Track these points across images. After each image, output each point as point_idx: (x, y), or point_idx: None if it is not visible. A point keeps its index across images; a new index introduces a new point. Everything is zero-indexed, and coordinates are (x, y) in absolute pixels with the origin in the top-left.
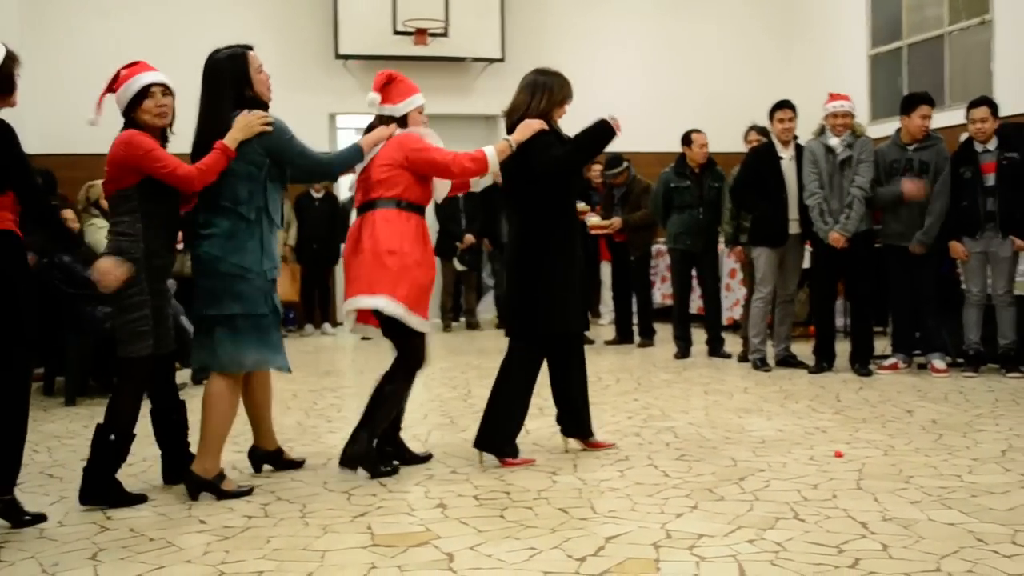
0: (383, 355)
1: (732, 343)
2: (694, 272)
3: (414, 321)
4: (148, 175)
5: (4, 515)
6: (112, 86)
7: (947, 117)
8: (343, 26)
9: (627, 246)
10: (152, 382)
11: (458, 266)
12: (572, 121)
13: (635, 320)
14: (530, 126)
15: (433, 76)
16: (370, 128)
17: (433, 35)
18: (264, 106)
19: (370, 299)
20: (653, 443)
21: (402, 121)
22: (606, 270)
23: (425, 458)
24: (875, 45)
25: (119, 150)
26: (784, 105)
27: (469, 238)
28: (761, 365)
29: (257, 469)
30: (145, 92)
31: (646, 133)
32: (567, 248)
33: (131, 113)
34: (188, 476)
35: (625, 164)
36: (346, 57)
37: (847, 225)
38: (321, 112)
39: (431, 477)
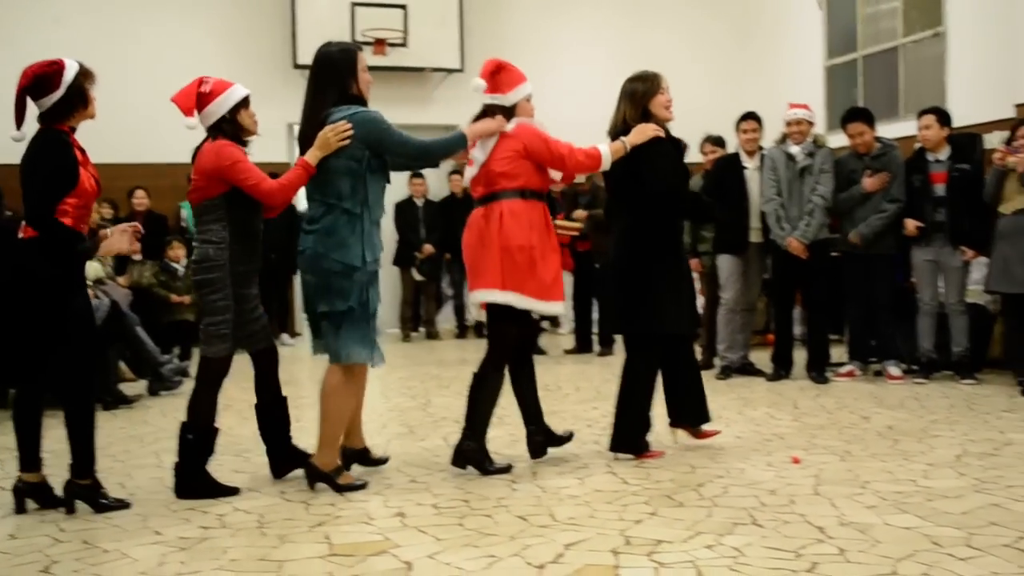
0: None
1: None
2: None
3: (552, 307)
4: (234, 185)
5: (85, 499)
6: (199, 105)
7: (901, 128)
8: (301, 35)
9: (591, 254)
10: (256, 379)
11: (417, 276)
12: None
13: (595, 329)
14: (644, 131)
15: (392, 86)
16: (478, 118)
17: (392, 45)
18: (363, 102)
19: (501, 294)
20: None
21: (510, 111)
22: (567, 279)
23: (567, 437)
24: (831, 56)
25: (208, 159)
26: (749, 116)
27: (428, 248)
28: (726, 374)
29: (346, 467)
30: (246, 100)
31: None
32: (677, 248)
33: (234, 116)
34: (307, 467)
35: None
36: (304, 67)
37: (807, 232)
38: (279, 122)
39: (390, 486)
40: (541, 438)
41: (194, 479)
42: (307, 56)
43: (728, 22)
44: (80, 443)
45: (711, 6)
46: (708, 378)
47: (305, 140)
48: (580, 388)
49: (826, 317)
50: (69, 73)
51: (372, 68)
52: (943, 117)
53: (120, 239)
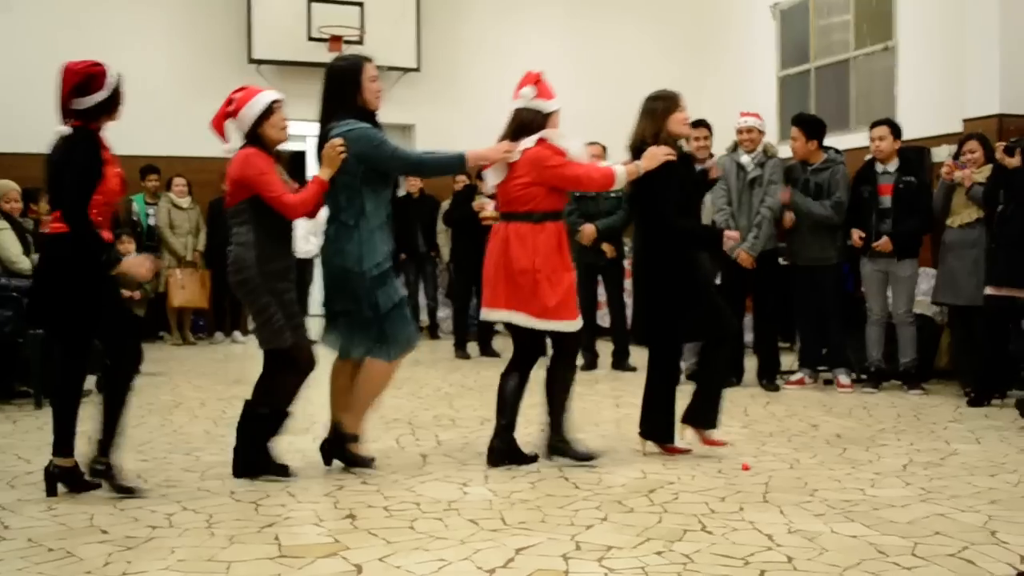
0: None
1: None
2: (601, 285)
3: (559, 326)
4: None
5: (105, 477)
6: (231, 112)
7: (852, 140)
8: (256, 31)
9: None
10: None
11: None
12: (489, 133)
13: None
14: (656, 156)
15: None
16: (511, 123)
17: (348, 43)
18: (371, 114)
19: (507, 313)
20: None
21: (545, 118)
22: None
23: (532, 458)
24: (784, 67)
25: (237, 168)
26: (699, 124)
27: None
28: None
29: (327, 462)
30: (270, 109)
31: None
32: (691, 259)
33: (256, 130)
34: (334, 427)
35: None
36: (260, 62)
37: (755, 245)
38: None
39: (341, 488)
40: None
41: (254, 457)
42: (262, 51)
43: (683, 30)
44: (109, 423)
45: (667, 13)
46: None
47: (321, 152)
48: (531, 392)
49: (775, 326)
50: (113, 77)
51: (326, 65)
52: (895, 129)
53: (140, 265)
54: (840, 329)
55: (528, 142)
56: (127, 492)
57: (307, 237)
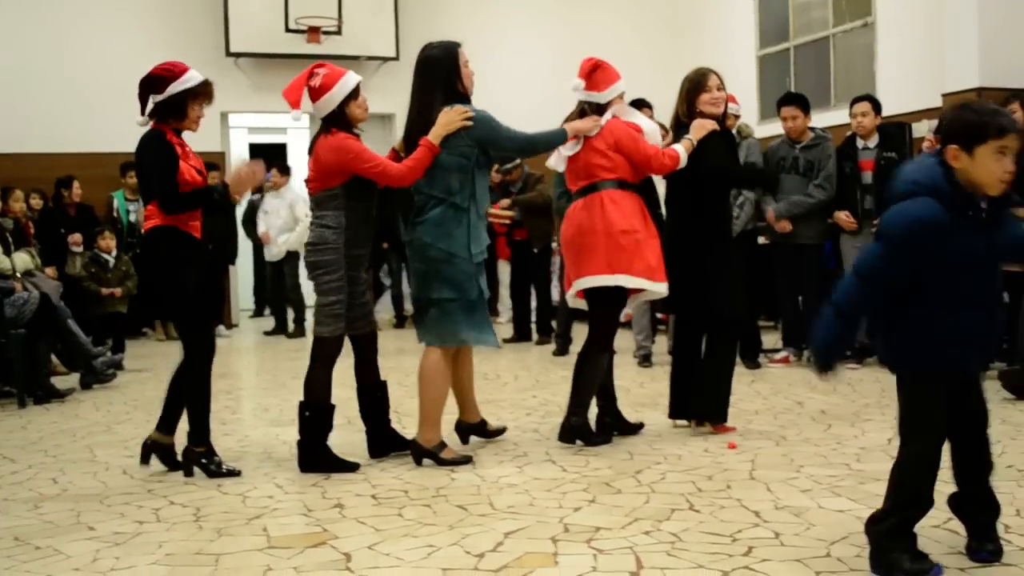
0: (280, 356)
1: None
2: None
3: (659, 288)
4: (354, 175)
5: (199, 465)
6: (312, 97)
7: (832, 117)
8: (234, 23)
9: (527, 242)
10: (356, 363)
11: None
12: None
13: (533, 318)
14: (704, 126)
15: None
16: (577, 115)
17: (326, 33)
18: (467, 99)
19: (610, 278)
20: (551, 439)
21: (603, 108)
22: (504, 269)
23: (638, 427)
24: (763, 46)
25: (330, 156)
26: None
27: None
28: (644, 362)
29: (464, 441)
30: (357, 91)
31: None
32: (725, 235)
33: (343, 109)
34: (412, 446)
35: (518, 160)
36: (237, 55)
37: (735, 225)
38: (212, 111)
39: (328, 477)
40: (609, 419)
41: (316, 454)
42: (240, 44)
43: (661, 11)
44: (196, 410)
45: None
46: (632, 365)
47: (411, 140)
48: (519, 377)
49: (757, 304)
50: (177, 86)
51: (306, 56)
52: (876, 105)
53: (250, 172)
54: (821, 306)
55: (605, 117)
56: (228, 475)
57: (279, 236)
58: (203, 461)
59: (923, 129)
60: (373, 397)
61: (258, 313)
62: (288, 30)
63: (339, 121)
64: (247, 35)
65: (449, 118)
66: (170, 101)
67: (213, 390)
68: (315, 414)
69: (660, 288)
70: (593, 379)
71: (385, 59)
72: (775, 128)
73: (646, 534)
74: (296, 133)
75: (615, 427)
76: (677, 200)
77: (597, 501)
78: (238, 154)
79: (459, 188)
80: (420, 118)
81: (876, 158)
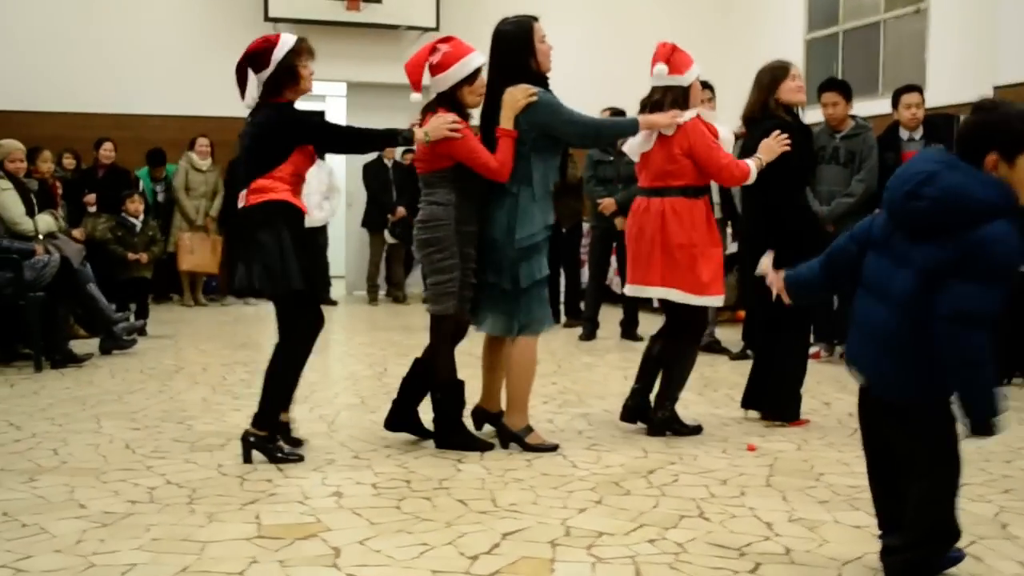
0: None
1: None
2: (615, 252)
3: (710, 301)
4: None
5: (261, 449)
6: (434, 64)
7: (880, 105)
8: None
9: (558, 219)
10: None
11: (389, 239)
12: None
13: (562, 299)
14: (772, 149)
15: (365, 43)
16: (650, 101)
17: (366, 1)
18: (544, 77)
19: (662, 290)
20: (565, 431)
21: (686, 91)
22: None
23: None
24: (811, 29)
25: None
26: (705, 85)
27: (401, 210)
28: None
29: (479, 427)
30: (475, 75)
31: (584, 106)
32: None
33: (455, 91)
34: (500, 428)
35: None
36: (276, 20)
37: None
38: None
39: (331, 462)
40: (631, 403)
41: (451, 433)
42: (279, 9)
43: None
44: (277, 391)
45: None
46: None
47: (488, 118)
48: (541, 361)
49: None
50: (279, 51)
51: (345, 24)
52: (922, 97)
53: (443, 123)
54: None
55: (687, 115)
56: (283, 461)
57: (320, 204)
58: (268, 445)
59: None
60: (420, 376)
61: None
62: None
63: (450, 102)
64: (287, 0)
65: (514, 98)
66: (280, 69)
67: (230, 361)
68: (446, 394)
69: (712, 301)
70: (684, 372)
71: (425, 29)
72: (819, 115)
73: (650, 542)
74: (334, 101)
75: (636, 414)
76: (751, 199)
77: (603, 502)
78: None
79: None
80: (496, 99)
81: (922, 150)
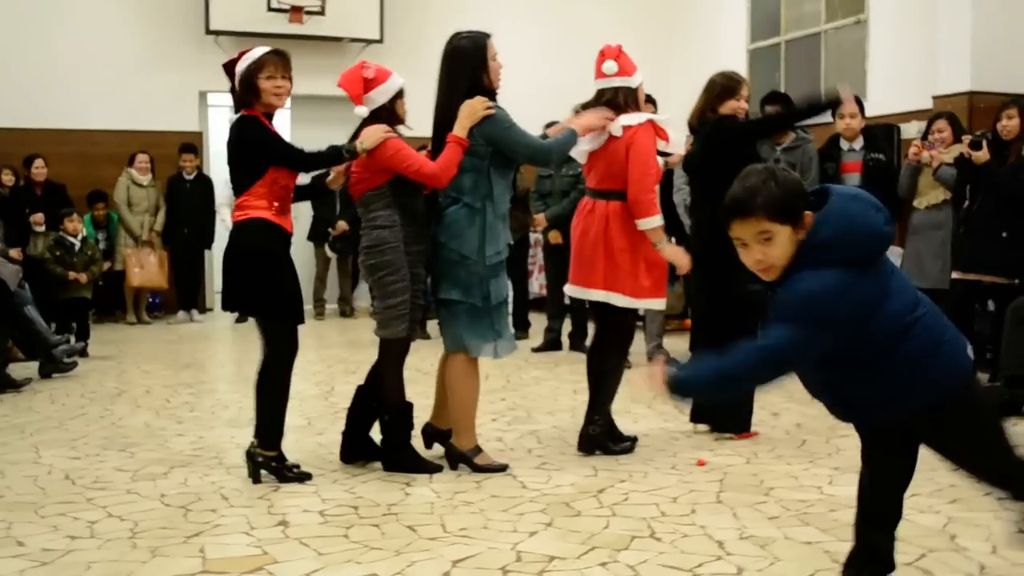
0: (250, 346)
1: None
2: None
3: (653, 304)
4: (397, 173)
5: (270, 470)
6: (368, 79)
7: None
8: (214, 0)
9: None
10: (376, 364)
11: (329, 253)
12: None
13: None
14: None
15: (309, 56)
16: (601, 101)
17: (309, 13)
18: (492, 94)
19: (603, 293)
20: (515, 449)
21: (634, 92)
22: None
23: (630, 440)
24: (754, 40)
25: (374, 151)
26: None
27: (342, 225)
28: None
29: (428, 446)
30: (401, 92)
31: (531, 119)
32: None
33: (393, 106)
34: (448, 448)
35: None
36: (217, 33)
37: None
38: (191, 90)
39: (277, 489)
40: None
41: (400, 455)
42: (220, 22)
43: (651, 1)
44: (273, 410)
45: None
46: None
47: (439, 132)
48: (489, 376)
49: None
50: (241, 64)
51: (288, 36)
52: (862, 107)
53: (377, 130)
54: None
55: (635, 119)
56: (298, 479)
57: None
58: (274, 465)
59: (912, 131)
60: (366, 403)
61: None
62: (270, 9)
63: (389, 115)
64: (227, 13)
65: (472, 108)
66: (241, 83)
67: (174, 382)
68: (395, 416)
69: (653, 304)
70: (615, 382)
71: (369, 41)
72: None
73: (602, 566)
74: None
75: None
76: (700, 209)
77: (554, 524)
78: (217, 135)
79: (472, 187)
80: (446, 112)
81: (863, 159)
